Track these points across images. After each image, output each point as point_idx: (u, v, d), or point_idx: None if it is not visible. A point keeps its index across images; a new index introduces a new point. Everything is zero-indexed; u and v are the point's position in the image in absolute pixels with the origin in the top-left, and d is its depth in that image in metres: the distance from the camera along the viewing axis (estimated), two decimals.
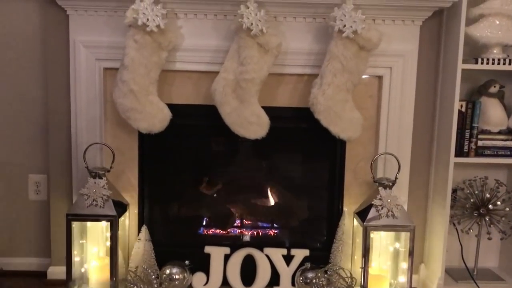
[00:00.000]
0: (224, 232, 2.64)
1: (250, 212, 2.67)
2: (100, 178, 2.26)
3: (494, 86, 2.36)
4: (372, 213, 2.22)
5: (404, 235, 2.24)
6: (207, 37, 2.32)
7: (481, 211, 2.35)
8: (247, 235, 2.64)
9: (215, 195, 2.67)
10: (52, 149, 2.45)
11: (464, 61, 2.24)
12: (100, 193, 2.23)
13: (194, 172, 2.67)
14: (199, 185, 2.65)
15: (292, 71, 2.37)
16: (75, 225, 2.26)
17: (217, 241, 2.58)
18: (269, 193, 2.67)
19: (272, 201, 2.69)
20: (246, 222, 2.66)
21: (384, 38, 2.24)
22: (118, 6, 2.26)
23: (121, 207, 2.34)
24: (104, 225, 2.29)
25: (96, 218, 2.24)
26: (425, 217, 2.49)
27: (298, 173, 2.67)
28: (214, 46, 2.32)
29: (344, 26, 2.13)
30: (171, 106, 2.32)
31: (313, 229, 2.63)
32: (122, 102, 2.21)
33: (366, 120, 2.38)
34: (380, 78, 2.39)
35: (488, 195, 2.35)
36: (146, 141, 2.43)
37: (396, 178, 2.29)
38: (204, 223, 2.68)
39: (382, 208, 2.21)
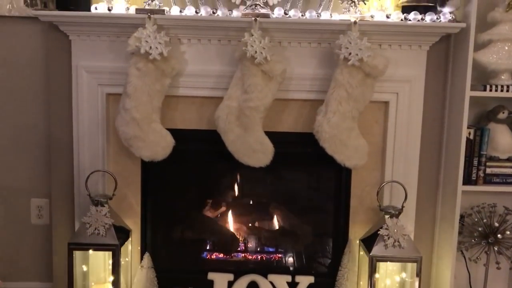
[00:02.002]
0: (227, 256, 2.61)
1: (254, 236, 2.64)
2: (102, 205, 2.24)
3: (503, 112, 2.32)
4: (378, 243, 2.18)
5: (411, 266, 2.20)
6: (211, 62, 2.29)
7: (489, 240, 2.31)
8: (251, 259, 2.60)
9: (218, 218, 2.64)
10: (54, 174, 2.43)
11: (472, 87, 2.19)
12: (102, 222, 2.20)
13: (198, 196, 2.64)
14: (202, 208, 2.62)
15: (297, 96, 2.34)
16: (77, 253, 2.23)
17: (220, 266, 2.55)
18: (274, 217, 2.64)
19: (276, 225, 2.65)
20: (250, 246, 2.63)
21: (391, 63, 2.21)
22: (121, 31, 2.23)
23: (123, 233, 2.32)
24: (106, 253, 2.26)
25: (98, 247, 2.21)
26: (432, 244, 2.45)
27: (303, 197, 2.64)
28: (217, 71, 2.30)
29: (350, 54, 2.09)
30: (174, 131, 2.30)
31: (319, 255, 2.60)
32: (125, 130, 2.18)
33: (372, 145, 2.34)
34: (386, 103, 2.35)
35: (496, 224, 2.31)
36: (149, 166, 2.40)
37: (402, 206, 2.25)
38: (207, 247, 2.65)
39: (388, 238, 2.17)
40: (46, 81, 2.41)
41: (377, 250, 2.18)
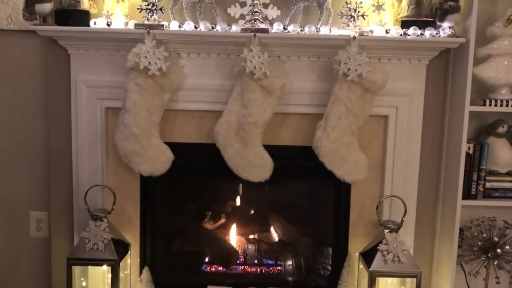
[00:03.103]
0: (227, 269, 2.60)
1: (253, 249, 2.63)
2: (101, 220, 2.24)
3: (503, 126, 2.31)
4: (378, 258, 2.18)
5: (410, 281, 2.19)
6: (210, 76, 2.29)
7: (489, 254, 2.30)
8: (250, 272, 2.60)
9: (218, 231, 2.64)
10: (53, 187, 2.43)
11: (472, 101, 2.19)
12: (101, 237, 2.20)
13: (197, 209, 2.64)
14: (202, 221, 2.62)
15: (296, 110, 2.33)
16: (76, 268, 2.23)
17: (220, 279, 2.55)
18: (273, 229, 2.64)
19: (276, 238, 2.65)
20: (250, 259, 2.62)
21: (390, 77, 2.20)
22: (120, 46, 2.23)
23: (122, 247, 2.32)
24: (105, 268, 2.26)
25: (97, 262, 2.21)
26: (432, 258, 2.45)
27: (303, 210, 2.64)
28: (217, 85, 2.29)
29: (349, 69, 2.09)
30: (173, 145, 2.30)
31: (318, 268, 2.59)
32: (124, 146, 2.18)
33: (372, 159, 2.34)
34: (385, 117, 2.35)
35: (496, 238, 2.30)
36: (148, 179, 2.39)
37: (402, 221, 2.25)
38: (206, 260, 2.65)
39: (388, 253, 2.16)
40: (45, 94, 2.40)
41: (376, 265, 2.17)
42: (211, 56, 2.28)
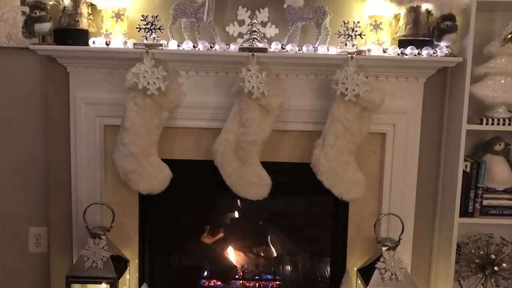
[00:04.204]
0: (225, 284, 2.61)
1: (252, 264, 2.64)
2: (100, 238, 2.24)
3: (500, 144, 2.32)
4: (375, 275, 2.19)
5: None
6: (209, 94, 2.30)
7: (486, 272, 2.31)
8: (249, 286, 2.61)
9: (216, 246, 2.65)
10: (52, 203, 2.44)
11: (469, 118, 2.20)
12: (100, 255, 2.21)
13: (195, 225, 2.65)
14: (200, 237, 2.63)
15: (294, 127, 2.34)
16: (75, 286, 2.23)
17: None
18: (272, 245, 2.65)
19: (274, 253, 2.66)
20: (248, 273, 2.63)
21: (388, 94, 2.22)
22: (119, 64, 2.24)
23: (121, 263, 2.33)
24: (104, 286, 2.26)
25: (96, 280, 2.21)
26: (429, 275, 2.46)
27: (301, 226, 2.65)
28: (215, 102, 2.30)
29: (347, 89, 2.10)
30: (172, 161, 2.31)
31: (316, 283, 2.60)
32: (122, 164, 2.19)
33: (369, 176, 2.35)
34: (383, 135, 2.35)
35: (493, 256, 2.31)
36: (146, 196, 2.39)
37: (400, 239, 2.26)
38: (205, 274, 2.66)
39: (385, 271, 2.17)
40: (44, 111, 2.41)
41: (374, 283, 2.18)
42: (210, 74, 2.29)
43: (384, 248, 2.24)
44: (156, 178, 2.22)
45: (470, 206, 2.27)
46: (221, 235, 2.66)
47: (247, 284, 2.62)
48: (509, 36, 2.19)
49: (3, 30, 2.37)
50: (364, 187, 2.25)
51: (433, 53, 2.18)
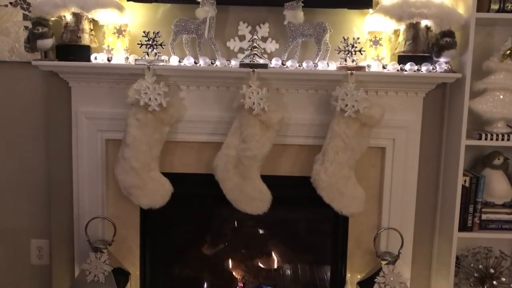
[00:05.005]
0: None
1: (252, 275, 2.66)
2: (102, 252, 2.26)
3: (498, 158, 2.34)
4: None
5: None
6: (209, 108, 2.32)
7: (485, 286, 2.32)
8: None
9: (217, 259, 2.66)
10: (54, 216, 2.45)
11: (468, 133, 2.22)
12: (102, 269, 2.23)
13: (196, 238, 2.66)
14: (201, 250, 2.64)
15: (295, 141, 2.36)
16: None
17: None
18: (272, 257, 2.66)
19: (274, 265, 2.67)
20: (248, 284, 2.65)
21: (387, 109, 2.23)
22: (120, 79, 2.26)
23: (123, 276, 2.35)
24: None
25: None
26: (429, 287, 2.47)
27: (301, 239, 2.66)
28: (216, 117, 2.32)
29: (346, 105, 2.11)
30: (173, 175, 2.32)
31: None
32: (124, 179, 2.20)
33: (369, 189, 2.36)
34: (383, 149, 2.37)
35: (492, 270, 2.32)
36: (148, 209, 2.42)
37: (399, 253, 2.27)
38: (205, 286, 2.67)
39: (385, 286, 2.19)
40: (46, 125, 2.43)
41: None
42: (211, 89, 2.30)
43: (383, 262, 2.25)
44: (157, 193, 2.24)
45: (469, 220, 2.28)
46: (222, 249, 2.67)
47: None
48: (508, 52, 2.20)
49: (5, 44, 2.39)
50: (364, 202, 2.26)
51: (433, 69, 2.19)
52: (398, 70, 2.19)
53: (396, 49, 2.26)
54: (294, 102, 2.31)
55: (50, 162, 2.42)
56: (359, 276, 2.40)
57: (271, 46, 2.31)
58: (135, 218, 2.46)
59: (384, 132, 2.31)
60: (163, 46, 2.20)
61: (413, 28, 2.18)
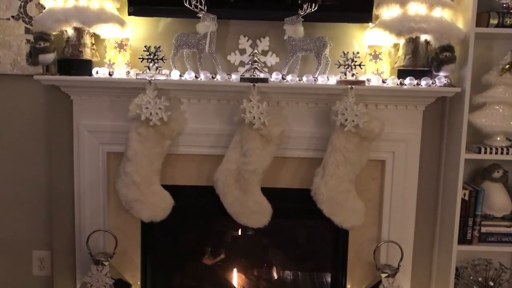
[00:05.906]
0: None
1: (253, 286, 2.67)
2: (103, 264, 2.27)
3: (498, 171, 2.35)
4: None
5: None
6: (210, 121, 2.33)
7: None
8: None
9: (217, 270, 2.67)
10: (55, 227, 2.47)
11: (468, 145, 2.22)
12: (103, 282, 2.24)
13: (197, 249, 2.67)
14: (202, 261, 2.65)
15: (295, 154, 2.37)
16: None
17: None
18: (272, 268, 2.67)
19: (275, 277, 2.68)
20: None
21: (387, 122, 2.25)
22: (122, 92, 2.27)
23: (124, 287, 2.36)
24: None
25: None
26: None
27: (301, 251, 2.67)
28: (217, 130, 2.33)
29: (346, 120, 2.12)
30: (174, 187, 2.34)
31: None
32: (125, 193, 2.22)
33: (369, 202, 2.38)
34: (383, 162, 2.38)
35: (491, 283, 2.33)
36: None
37: (399, 265, 2.28)
38: None
39: None
40: (48, 138, 2.44)
41: None
42: (211, 102, 2.31)
43: (383, 275, 2.26)
44: (158, 206, 2.25)
45: (469, 233, 2.29)
46: (222, 261, 2.67)
47: None
48: (507, 66, 2.21)
49: (7, 57, 2.40)
50: (363, 215, 2.28)
51: (432, 83, 2.21)
52: (397, 84, 2.20)
53: (395, 63, 2.28)
54: (294, 115, 2.32)
55: (52, 174, 2.44)
56: None
57: (272, 59, 2.33)
58: (136, 229, 2.47)
59: (384, 145, 2.33)
60: (164, 61, 2.21)
61: (413, 43, 2.19)
